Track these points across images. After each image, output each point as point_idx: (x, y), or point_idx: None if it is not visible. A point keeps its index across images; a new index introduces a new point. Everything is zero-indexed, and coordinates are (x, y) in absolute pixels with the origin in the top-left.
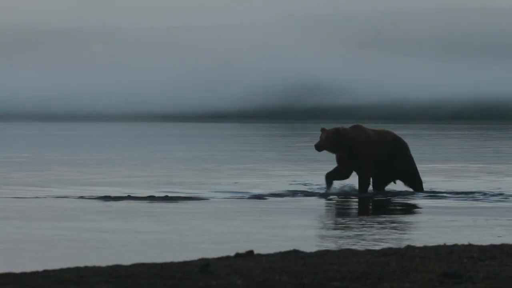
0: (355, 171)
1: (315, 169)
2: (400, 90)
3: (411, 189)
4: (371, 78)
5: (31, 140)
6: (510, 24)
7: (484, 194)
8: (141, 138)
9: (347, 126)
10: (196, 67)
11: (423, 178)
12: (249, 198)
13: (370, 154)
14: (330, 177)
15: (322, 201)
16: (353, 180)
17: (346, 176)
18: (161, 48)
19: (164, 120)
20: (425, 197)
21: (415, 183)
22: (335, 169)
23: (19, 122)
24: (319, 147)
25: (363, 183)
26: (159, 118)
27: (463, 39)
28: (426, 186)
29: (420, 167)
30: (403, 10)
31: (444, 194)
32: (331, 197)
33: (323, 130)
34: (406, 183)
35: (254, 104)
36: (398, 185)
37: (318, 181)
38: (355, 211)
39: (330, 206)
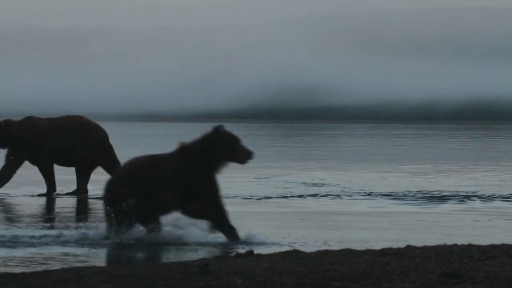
0: (36, 166)
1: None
2: (398, 90)
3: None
4: (369, 78)
5: None
6: (510, 24)
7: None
8: (136, 138)
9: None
10: (196, 67)
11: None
12: None
13: (44, 146)
14: None
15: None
16: None
17: (11, 176)
18: (161, 48)
19: (164, 120)
20: None
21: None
22: (3, 168)
23: None
24: None
25: (47, 179)
26: (159, 118)
27: (463, 39)
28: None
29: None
30: (403, 10)
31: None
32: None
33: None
34: (106, 171)
35: (251, 104)
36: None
37: None
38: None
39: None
